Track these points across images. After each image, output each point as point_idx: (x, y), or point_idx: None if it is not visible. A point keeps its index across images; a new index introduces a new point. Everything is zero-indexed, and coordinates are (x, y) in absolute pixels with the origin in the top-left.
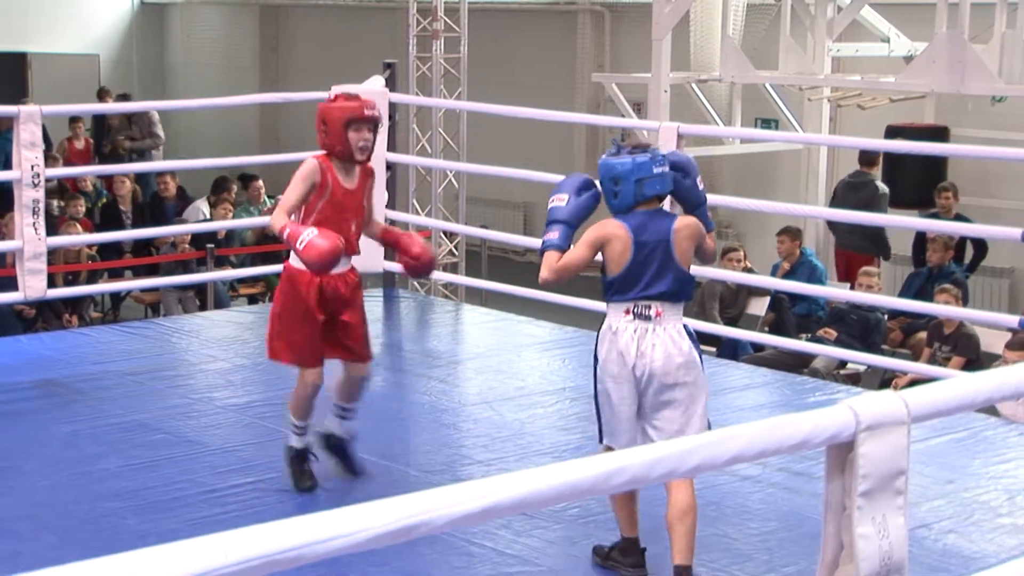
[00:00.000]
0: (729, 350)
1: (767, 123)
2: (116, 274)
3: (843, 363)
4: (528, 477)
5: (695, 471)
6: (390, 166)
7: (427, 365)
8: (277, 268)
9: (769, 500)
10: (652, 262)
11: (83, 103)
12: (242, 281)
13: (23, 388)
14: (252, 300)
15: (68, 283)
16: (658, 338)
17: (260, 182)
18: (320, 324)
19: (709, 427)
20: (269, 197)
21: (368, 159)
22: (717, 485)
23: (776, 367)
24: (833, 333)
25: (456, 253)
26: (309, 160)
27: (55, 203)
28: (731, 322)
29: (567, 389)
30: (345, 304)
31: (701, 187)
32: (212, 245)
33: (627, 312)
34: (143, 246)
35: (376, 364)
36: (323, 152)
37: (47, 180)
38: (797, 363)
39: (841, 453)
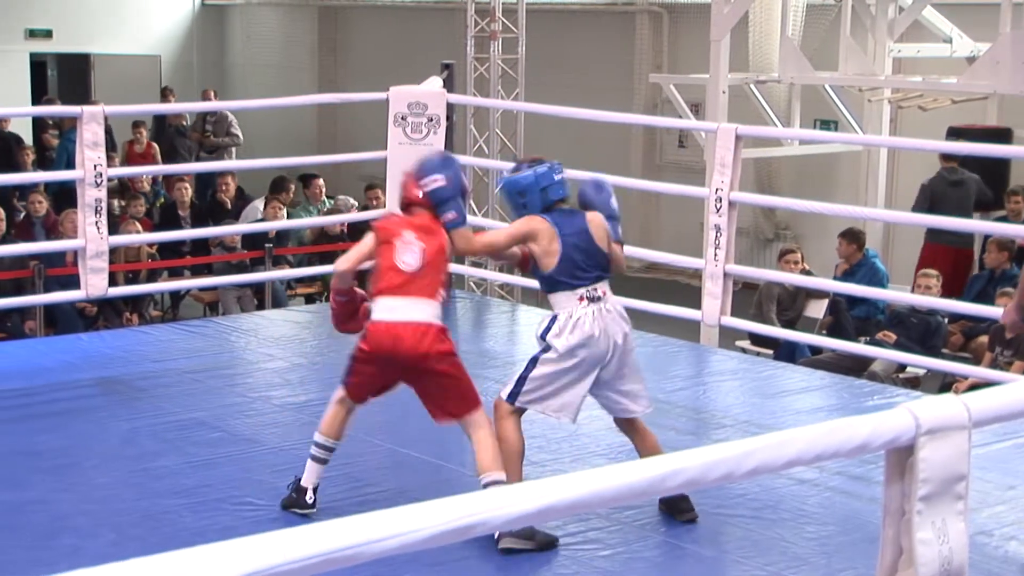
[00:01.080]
0: (786, 353)
1: (826, 124)
2: (175, 273)
3: (902, 367)
4: (585, 478)
5: (753, 473)
6: None
7: (483, 365)
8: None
9: (827, 504)
10: (582, 250)
11: (145, 103)
12: (300, 280)
13: (84, 386)
14: (309, 299)
15: (129, 282)
16: (611, 315)
17: (320, 181)
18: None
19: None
20: (328, 198)
21: None
22: (774, 488)
23: (834, 370)
24: (892, 336)
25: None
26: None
27: (116, 203)
28: (789, 324)
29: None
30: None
31: (614, 204)
32: (270, 244)
33: (581, 299)
34: (202, 245)
35: None
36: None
37: (108, 180)
38: (855, 366)
39: (901, 457)
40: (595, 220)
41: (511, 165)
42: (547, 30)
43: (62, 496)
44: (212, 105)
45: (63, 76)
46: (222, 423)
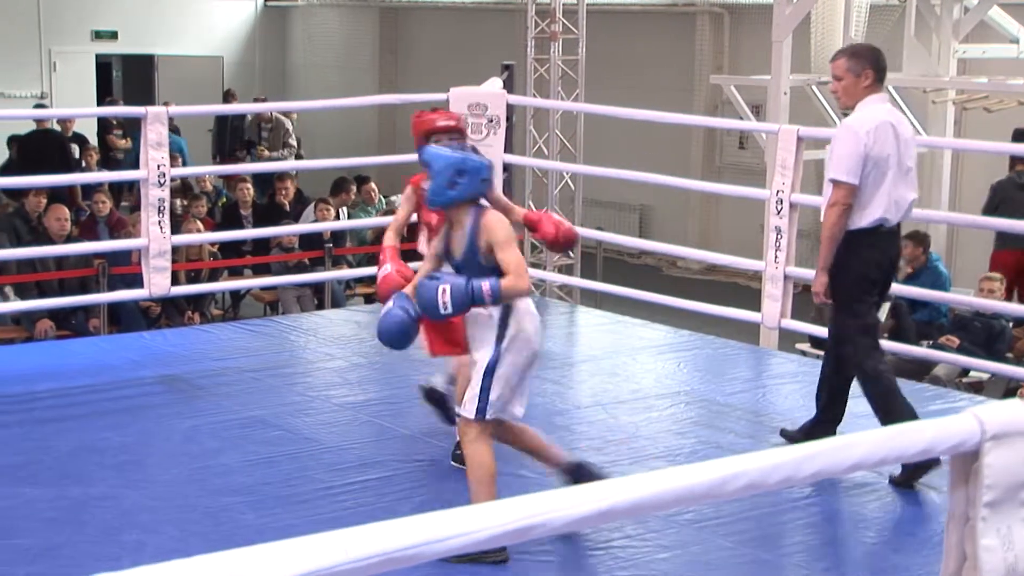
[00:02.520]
0: None
1: None
2: (236, 272)
3: (965, 371)
4: (646, 480)
5: (815, 477)
6: (507, 168)
7: (541, 367)
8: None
9: (887, 508)
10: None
11: (207, 104)
12: (359, 280)
13: (146, 383)
14: (368, 299)
15: (190, 281)
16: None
17: (372, 184)
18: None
19: None
20: (384, 198)
21: None
22: (834, 492)
23: (896, 374)
24: (956, 340)
25: (572, 255)
26: (407, 188)
27: (178, 202)
28: None
29: (682, 393)
30: None
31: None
32: (330, 245)
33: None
34: (263, 245)
35: None
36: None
37: (171, 180)
38: (918, 370)
39: (966, 463)
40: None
41: (627, 168)
42: (608, 31)
43: (126, 492)
44: (273, 106)
45: (128, 77)
46: (282, 422)
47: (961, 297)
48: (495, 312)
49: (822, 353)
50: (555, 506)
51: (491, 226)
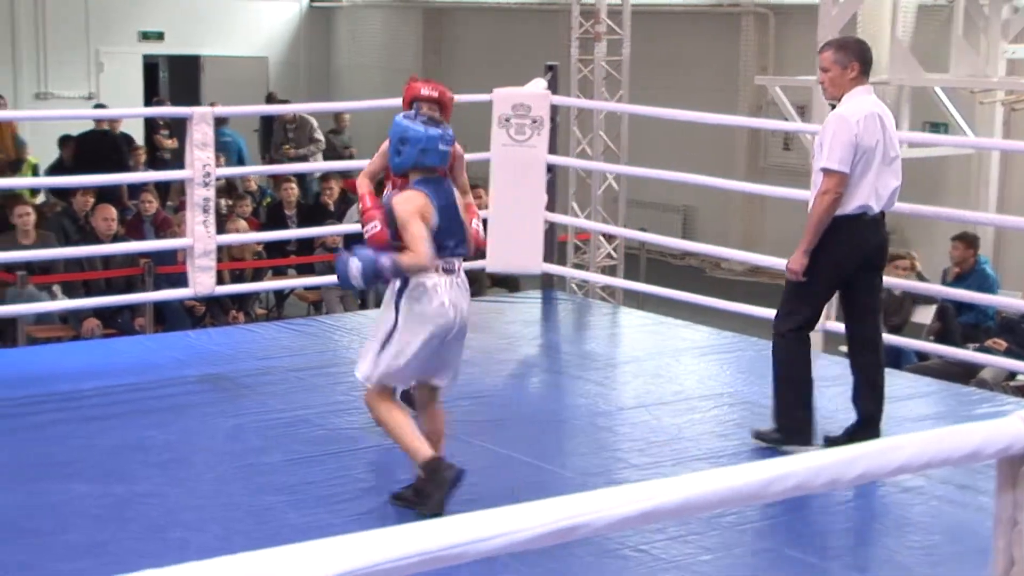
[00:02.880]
0: (892, 359)
1: (936, 127)
2: (280, 272)
3: (1012, 374)
4: (690, 482)
5: (860, 479)
6: (550, 168)
7: (584, 367)
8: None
9: (933, 513)
10: (449, 223)
11: (253, 104)
12: None
13: (191, 382)
14: None
15: (235, 280)
16: (461, 290)
17: None
18: None
19: None
20: None
21: None
22: (879, 496)
23: (941, 377)
24: (1003, 344)
25: (615, 256)
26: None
27: (223, 202)
28: (895, 330)
29: (725, 395)
30: None
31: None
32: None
33: (438, 269)
34: (307, 245)
35: (533, 365)
36: None
37: (216, 179)
38: (963, 374)
39: (1013, 466)
40: (459, 194)
41: (671, 168)
42: (652, 31)
43: (171, 490)
44: (314, 106)
45: (174, 77)
46: (325, 421)
47: (1009, 300)
48: (398, 285)
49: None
50: (599, 506)
51: (397, 202)
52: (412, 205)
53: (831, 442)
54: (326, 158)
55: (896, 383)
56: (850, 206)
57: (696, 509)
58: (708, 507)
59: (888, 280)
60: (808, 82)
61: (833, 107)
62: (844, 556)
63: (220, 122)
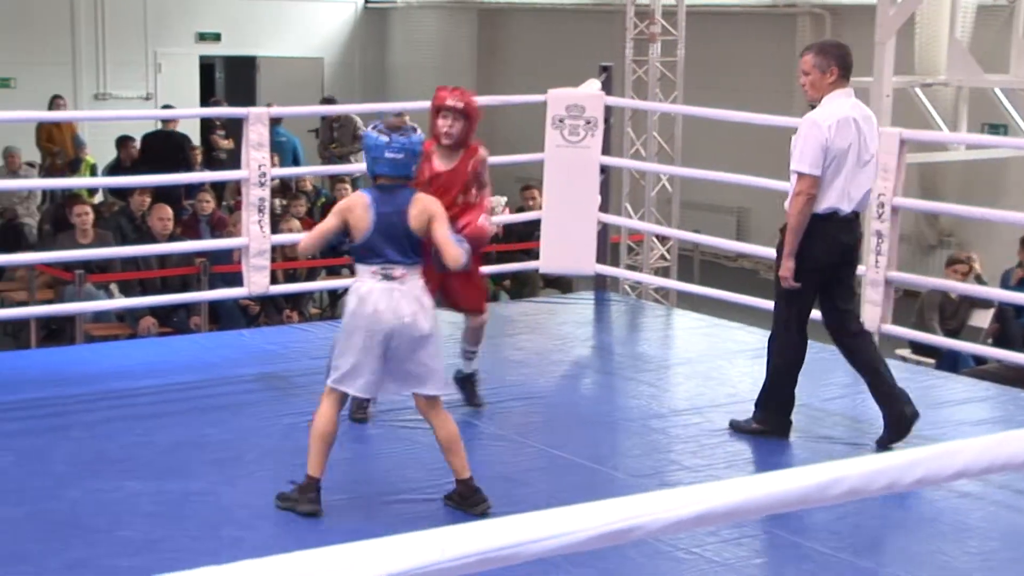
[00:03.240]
0: (949, 362)
1: (995, 128)
2: (334, 272)
3: None
4: (744, 485)
5: (918, 484)
6: (604, 169)
7: (637, 369)
8: (489, 269)
9: (990, 518)
10: (388, 231)
11: (308, 104)
12: None
13: (245, 381)
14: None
15: (289, 279)
16: (402, 295)
17: None
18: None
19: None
20: None
21: (458, 144)
22: (934, 501)
23: (999, 381)
24: None
25: (668, 257)
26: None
27: (277, 202)
28: (952, 334)
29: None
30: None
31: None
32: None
33: (375, 274)
34: None
35: (586, 367)
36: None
37: (271, 179)
38: (1022, 378)
39: None
40: (418, 204)
41: (725, 170)
42: (707, 32)
43: (225, 488)
44: (369, 107)
45: (230, 78)
46: (378, 420)
47: None
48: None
49: (922, 360)
50: (652, 509)
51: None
52: (341, 203)
53: (883, 446)
54: None
55: (953, 387)
56: (821, 206)
57: (750, 512)
58: (762, 510)
59: (945, 283)
60: (865, 83)
61: (813, 107)
62: (899, 561)
63: (275, 122)
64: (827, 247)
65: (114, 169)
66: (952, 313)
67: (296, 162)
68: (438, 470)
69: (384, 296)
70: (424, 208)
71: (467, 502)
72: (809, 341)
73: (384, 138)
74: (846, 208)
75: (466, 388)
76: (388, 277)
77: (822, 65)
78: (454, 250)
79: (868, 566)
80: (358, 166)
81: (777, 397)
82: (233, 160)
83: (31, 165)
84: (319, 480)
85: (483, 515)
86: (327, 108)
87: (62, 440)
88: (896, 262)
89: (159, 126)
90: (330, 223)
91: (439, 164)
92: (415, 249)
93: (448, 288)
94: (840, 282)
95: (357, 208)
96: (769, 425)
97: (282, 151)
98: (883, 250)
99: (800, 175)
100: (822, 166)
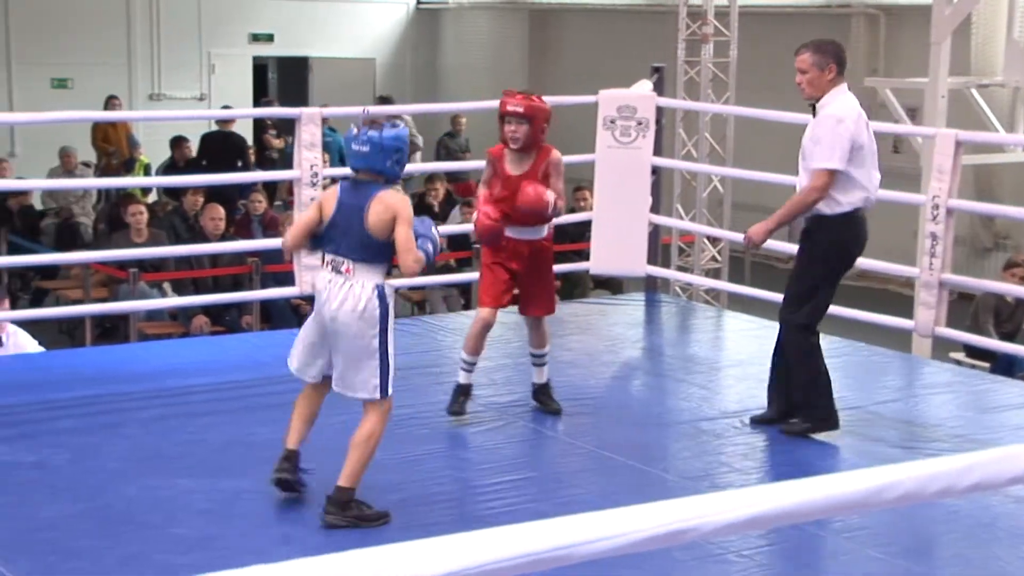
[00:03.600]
0: (1004, 366)
1: None
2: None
3: None
4: (799, 487)
5: (973, 489)
6: (655, 170)
7: (687, 371)
8: None
9: None
10: (345, 223)
11: (360, 104)
12: None
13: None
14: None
15: None
16: (344, 291)
17: None
18: (503, 274)
19: (384, 392)
20: None
21: (527, 147)
22: (990, 506)
23: None
24: None
25: (719, 259)
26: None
27: None
28: (1008, 337)
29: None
30: (524, 263)
31: (433, 233)
32: (477, 245)
33: (324, 263)
34: None
35: (636, 368)
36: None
37: (323, 179)
38: None
39: None
40: (378, 204)
41: (777, 171)
42: (760, 33)
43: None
44: (420, 107)
45: (283, 78)
46: (428, 420)
47: None
48: None
49: (977, 363)
50: (706, 511)
51: None
52: (321, 193)
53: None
54: (442, 160)
55: (1009, 391)
56: (855, 200)
57: (804, 516)
58: (816, 514)
59: (1001, 287)
60: (920, 84)
61: (812, 107)
62: (953, 566)
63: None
64: (860, 243)
65: (168, 169)
66: (1008, 316)
67: (343, 162)
68: (485, 470)
69: (328, 287)
70: (388, 207)
71: (334, 506)
72: (861, 344)
73: (353, 131)
74: (872, 199)
75: (540, 399)
76: (336, 270)
77: (821, 63)
78: (408, 256)
79: (922, 571)
80: (409, 167)
81: (824, 394)
82: (284, 160)
83: (87, 165)
84: (291, 452)
85: (325, 523)
86: (379, 108)
87: (116, 438)
88: (951, 264)
89: (212, 126)
90: (308, 214)
91: (511, 168)
92: (369, 247)
93: (523, 286)
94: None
95: (329, 198)
96: (819, 418)
97: (329, 150)
98: (937, 252)
99: (826, 171)
100: (848, 161)
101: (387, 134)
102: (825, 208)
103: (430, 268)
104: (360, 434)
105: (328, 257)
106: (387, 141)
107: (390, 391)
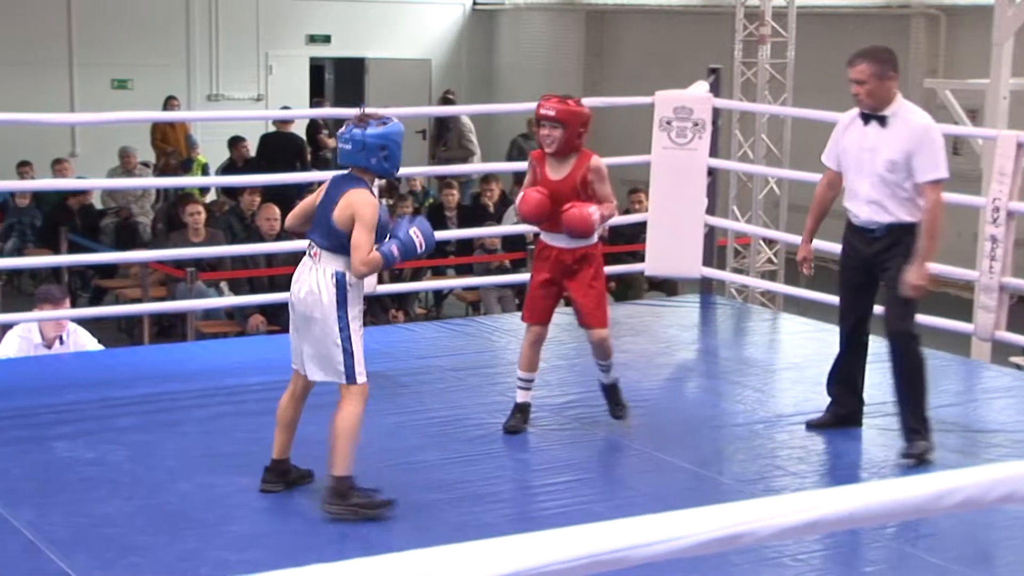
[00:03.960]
0: None
1: None
2: (439, 272)
3: None
4: (857, 492)
5: None
6: (711, 171)
7: (742, 373)
8: None
9: None
10: (320, 214)
11: (416, 105)
12: None
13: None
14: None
15: (394, 280)
16: (310, 273)
17: None
18: (545, 287)
19: (351, 377)
20: None
21: (564, 151)
22: None
23: None
24: None
25: (775, 261)
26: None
27: (384, 201)
28: None
29: (888, 404)
30: (570, 275)
31: (415, 237)
32: (532, 246)
33: (307, 248)
34: (466, 246)
35: (691, 370)
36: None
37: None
38: None
39: None
40: (345, 199)
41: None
42: (817, 34)
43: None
44: (477, 108)
45: (339, 79)
46: (483, 421)
47: None
48: None
49: None
50: (763, 515)
51: None
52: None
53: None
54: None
55: None
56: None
57: (862, 521)
58: (875, 519)
59: None
60: (981, 85)
61: (867, 116)
62: (1013, 573)
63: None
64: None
65: (227, 169)
66: None
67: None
68: (539, 471)
69: (300, 270)
70: (350, 205)
71: (334, 496)
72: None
73: (344, 127)
74: None
75: (608, 398)
76: (309, 254)
77: (879, 72)
78: (355, 256)
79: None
80: (465, 167)
81: (925, 421)
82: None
83: (146, 165)
84: (280, 460)
85: (327, 515)
86: (432, 109)
87: (174, 435)
88: (1011, 267)
89: (269, 127)
90: (310, 198)
91: (551, 173)
92: (333, 236)
93: (572, 298)
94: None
95: (324, 186)
96: (931, 443)
97: None
98: (997, 255)
99: (940, 181)
100: None
101: (371, 132)
102: (911, 216)
103: (434, 257)
104: (337, 420)
105: (308, 242)
106: (370, 139)
107: (359, 377)
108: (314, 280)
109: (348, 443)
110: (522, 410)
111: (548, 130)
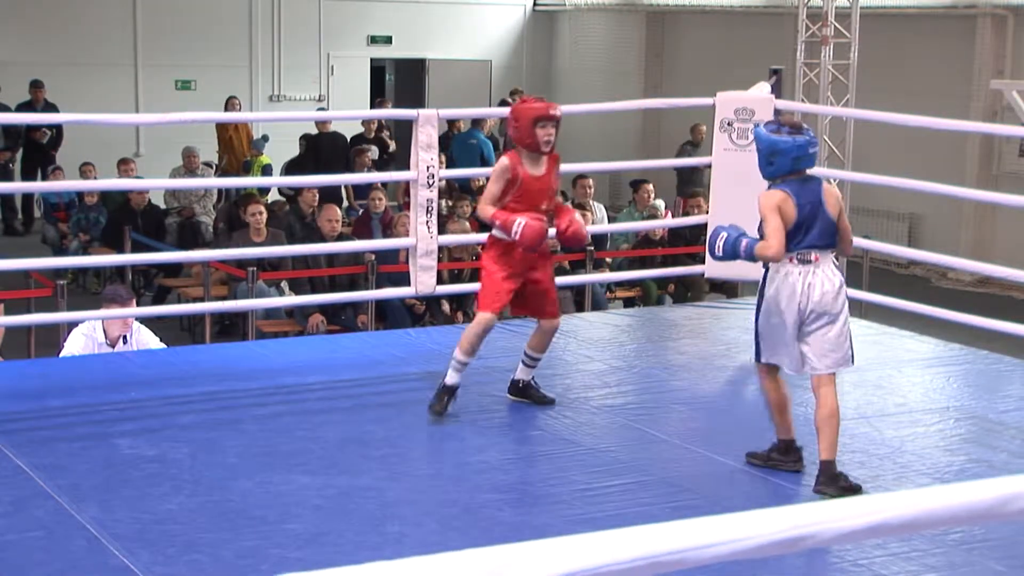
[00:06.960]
0: None
1: None
2: None
3: None
4: (920, 496)
5: None
6: None
7: (802, 376)
8: (654, 272)
9: None
10: (810, 218)
11: (476, 106)
12: (619, 284)
13: (411, 379)
14: (628, 303)
15: (453, 280)
16: (816, 278)
17: (650, 186)
18: (510, 280)
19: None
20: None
21: (551, 151)
22: None
23: None
24: None
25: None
26: (501, 159)
27: (443, 202)
28: None
29: (951, 408)
30: (535, 267)
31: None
32: (591, 247)
33: (792, 260)
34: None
35: (751, 372)
36: (512, 148)
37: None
38: None
39: None
40: (830, 193)
41: (897, 175)
42: (881, 34)
43: (390, 484)
44: None
45: (400, 80)
46: (540, 422)
47: None
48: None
49: None
50: (824, 518)
51: (760, 197)
52: (771, 201)
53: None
54: None
55: None
56: None
57: (926, 525)
58: (939, 523)
59: None
60: None
61: None
62: None
63: (475, 124)
64: None
65: (295, 165)
66: None
67: (485, 162)
68: (598, 472)
69: (798, 278)
70: (836, 196)
71: (824, 481)
72: (984, 352)
73: (801, 139)
74: None
75: (528, 394)
76: (804, 261)
77: None
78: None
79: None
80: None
81: None
82: (398, 161)
83: (208, 165)
84: (794, 440)
85: (823, 495)
86: (488, 111)
87: (234, 433)
88: None
89: (334, 126)
90: (778, 221)
91: (531, 171)
92: (830, 232)
93: (526, 293)
94: None
95: (786, 203)
96: None
97: (471, 153)
98: None
99: None
100: None
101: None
102: None
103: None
104: (822, 411)
105: (793, 253)
106: (757, 144)
107: (760, 357)
108: (825, 281)
109: (834, 426)
110: (451, 392)
111: (551, 130)
